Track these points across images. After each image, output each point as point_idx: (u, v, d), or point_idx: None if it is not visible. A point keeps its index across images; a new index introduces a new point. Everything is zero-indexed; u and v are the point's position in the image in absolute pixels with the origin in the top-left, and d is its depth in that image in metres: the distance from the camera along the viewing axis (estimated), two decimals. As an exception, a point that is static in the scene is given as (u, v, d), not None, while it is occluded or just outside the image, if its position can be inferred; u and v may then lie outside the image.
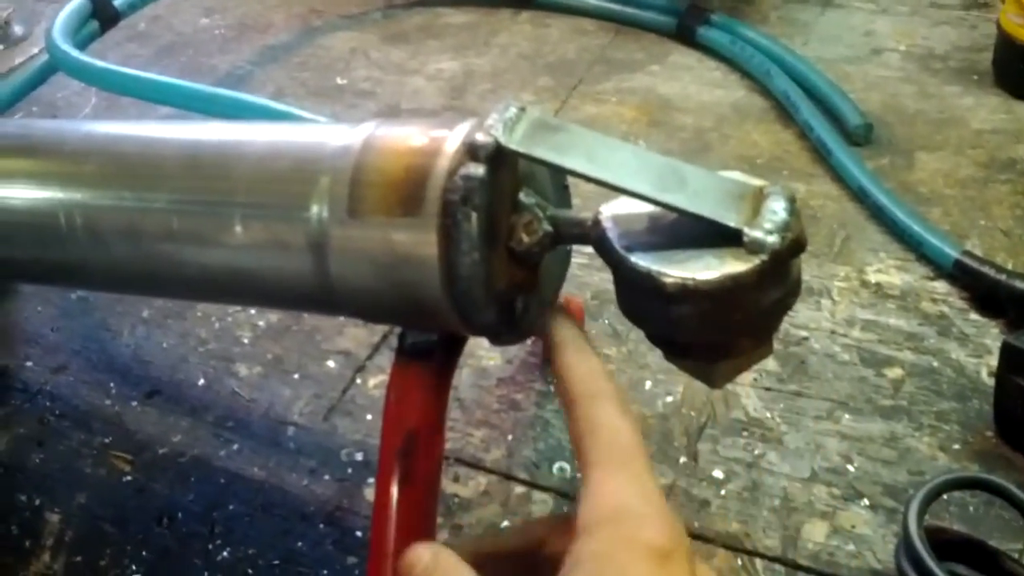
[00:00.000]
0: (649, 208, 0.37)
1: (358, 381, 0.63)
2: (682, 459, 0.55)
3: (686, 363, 0.39)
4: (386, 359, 0.63)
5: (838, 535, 0.51)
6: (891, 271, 0.67)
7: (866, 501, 0.52)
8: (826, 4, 0.99)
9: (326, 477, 0.57)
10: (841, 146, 0.76)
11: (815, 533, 0.51)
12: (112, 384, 0.65)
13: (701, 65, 0.92)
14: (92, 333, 0.69)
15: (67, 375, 0.66)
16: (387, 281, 0.40)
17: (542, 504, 0.54)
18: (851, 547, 0.50)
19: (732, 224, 0.34)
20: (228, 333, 0.67)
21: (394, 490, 0.42)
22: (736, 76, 0.89)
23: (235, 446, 0.59)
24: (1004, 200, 0.72)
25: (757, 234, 0.34)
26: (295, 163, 0.44)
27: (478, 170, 0.38)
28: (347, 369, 0.64)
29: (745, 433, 0.56)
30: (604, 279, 0.61)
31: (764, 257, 0.34)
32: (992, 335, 0.61)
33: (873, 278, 0.66)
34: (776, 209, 0.35)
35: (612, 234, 0.37)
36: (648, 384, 0.60)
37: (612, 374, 0.37)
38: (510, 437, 0.58)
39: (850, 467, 0.54)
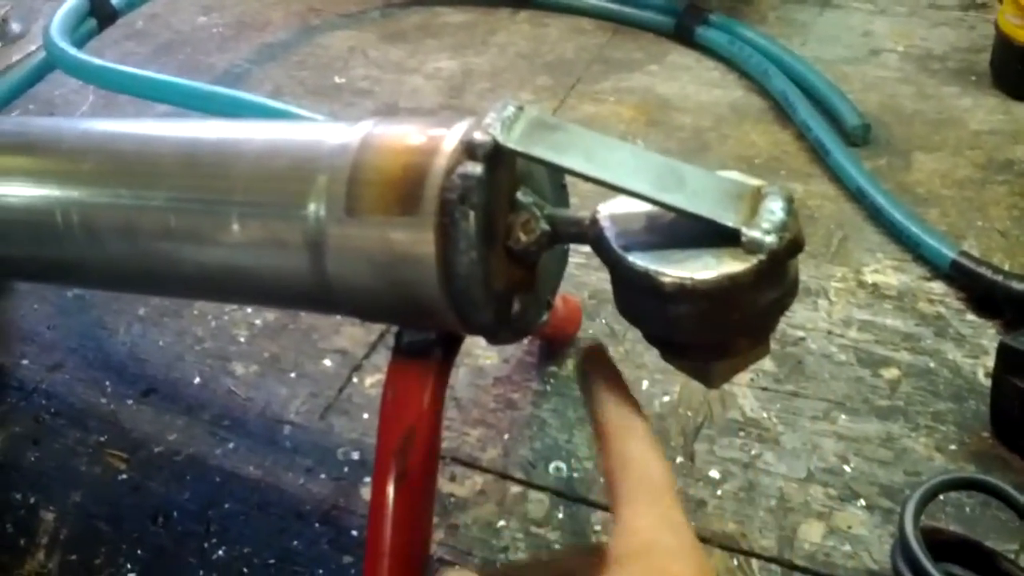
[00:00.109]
0: (647, 207, 0.37)
1: (355, 380, 0.63)
2: (679, 459, 0.55)
3: (683, 363, 0.39)
4: (383, 358, 0.63)
5: (834, 535, 0.51)
6: (888, 271, 0.67)
7: (862, 501, 0.52)
8: (824, 4, 0.99)
9: (322, 476, 0.57)
10: (839, 146, 0.76)
11: (811, 533, 0.51)
12: (108, 382, 0.64)
13: (699, 65, 0.92)
14: (88, 331, 0.69)
15: (63, 373, 0.66)
16: (384, 280, 0.40)
17: (538, 503, 0.54)
18: (847, 547, 0.50)
19: (730, 224, 0.34)
20: (224, 331, 0.67)
21: (390, 489, 0.42)
22: (734, 76, 0.89)
23: (231, 445, 0.59)
24: (1001, 201, 0.72)
25: (755, 234, 0.34)
26: (292, 161, 0.44)
27: (476, 169, 0.38)
28: (344, 368, 0.64)
29: (742, 433, 0.56)
30: (602, 278, 0.61)
31: (762, 257, 0.34)
32: (989, 336, 0.61)
33: (870, 278, 0.66)
34: (774, 209, 0.35)
35: (610, 233, 0.37)
36: (645, 384, 0.60)
37: (644, 412, 0.38)
38: (506, 436, 0.58)
39: (846, 467, 0.54)
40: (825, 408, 0.57)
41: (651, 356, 0.61)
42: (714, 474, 0.54)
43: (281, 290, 0.46)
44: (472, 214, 0.38)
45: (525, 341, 0.63)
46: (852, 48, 0.92)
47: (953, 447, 0.55)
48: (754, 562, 0.50)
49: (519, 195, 0.40)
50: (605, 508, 0.53)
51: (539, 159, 0.38)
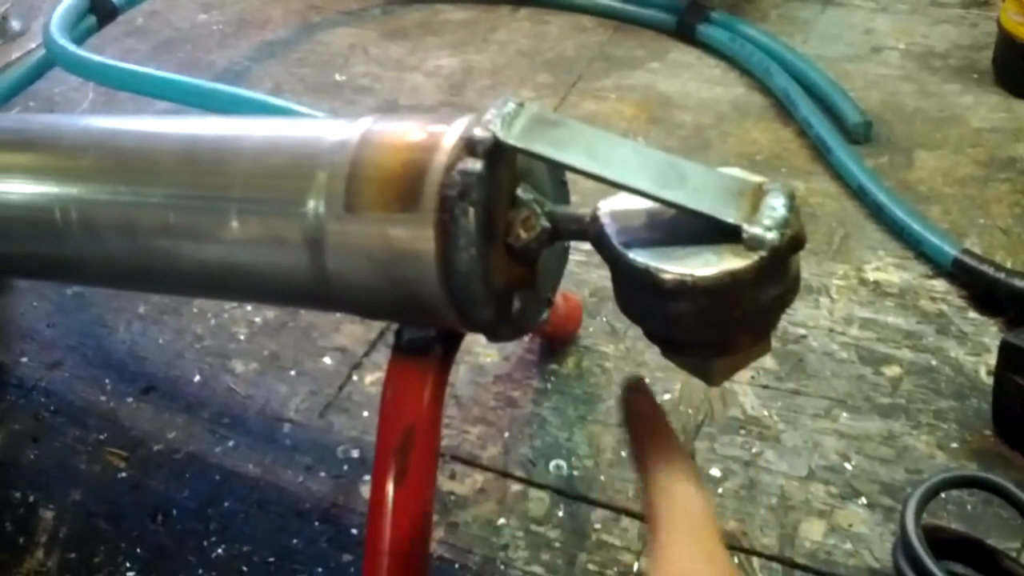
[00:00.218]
0: (647, 204, 0.37)
1: (355, 378, 0.63)
2: (680, 457, 0.55)
3: (684, 360, 0.38)
4: (383, 356, 0.63)
5: (835, 534, 0.51)
6: (890, 269, 0.66)
7: (864, 500, 0.52)
8: (826, 2, 0.99)
9: (322, 474, 0.57)
10: (840, 144, 0.75)
11: (812, 532, 0.51)
12: (107, 380, 0.64)
13: (701, 62, 0.92)
14: (88, 329, 0.69)
15: (62, 371, 0.66)
16: (384, 277, 0.40)
17: (539, 501, 0.54)
18: (848, 546, 0.50)
19: (731, 220, 0.34)
20: (224, 329, 0.67)
21: (390, 487, 0.42)
22: (736, 74, 0.89)
23: (231, 443, 0.59)
24: (1003, 199, 0.72)
25: (756, 230, 0.34)
26: (292, 158, 0.44)
27: (476, 165, 0.38)
28: (343, 366, 0.63)
29: (743, 431, 0.56)
30: (602, 276, 0.61)
31: (763, 254, 0.34)
32: (991, 333, 0.61)
33: (872, 276, 0.66)
34: (775, 205, 0.35)
35: (610, 230, 0.37)
36: (646, 381, 0.59)
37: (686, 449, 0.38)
38: (507, 434, 0.58)
39: (848, 465, 0.54)
40: (826, 406, 0.57)
41: (652, 354, 0.60)
42: (715, 472, 0.54)
43: (280, 287, 0.45)
44: (472, 211, 0.37)
45: (526, 339, 0.63)
46: (854, 46, 0.91)
47: (955, 445, 0.55)
48: (755, 560, 0.50)
49: (519, 192, 0.40)
50: (606, 506, 0.53)
51: (539, 155, 0.38)
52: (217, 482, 0.57)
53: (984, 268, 0.62)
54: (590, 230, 0.38)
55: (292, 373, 0.63)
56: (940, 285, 0.65)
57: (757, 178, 0.37)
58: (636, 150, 0.38)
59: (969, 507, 0.51)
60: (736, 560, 0.50)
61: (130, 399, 0.63)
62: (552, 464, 0.56)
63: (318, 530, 0.54)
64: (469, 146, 0.38)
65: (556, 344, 0.62)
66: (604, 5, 1.00)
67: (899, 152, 0.77)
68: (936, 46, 0.90)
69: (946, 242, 0.65)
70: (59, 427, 0.61)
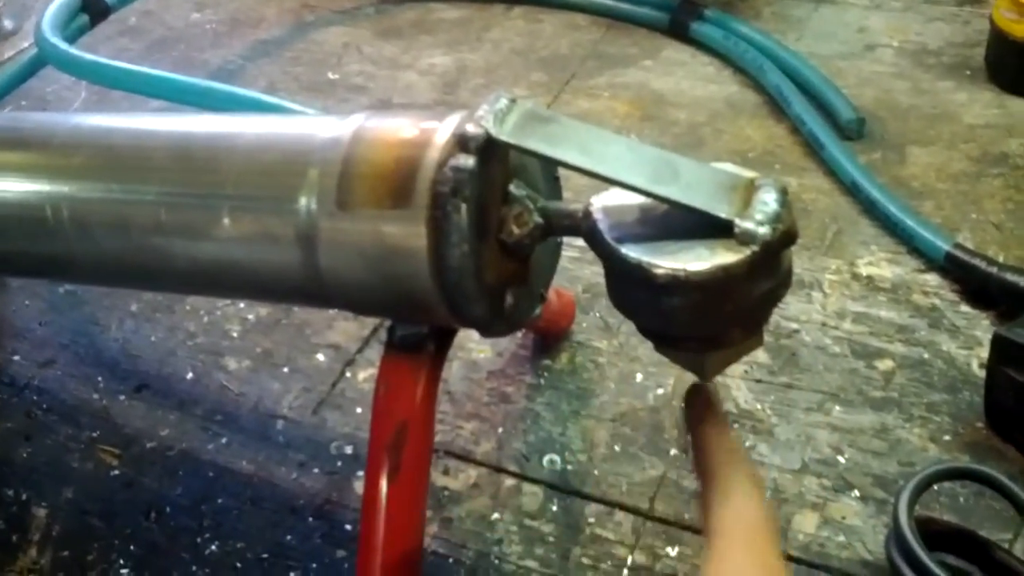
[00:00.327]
0: (640, 199, 0.37)
1: (348, 375, 0.63)
2: (672, 451, 0.55)
3: (677, 354, 0.39)
4: (376, 353, 0.63)
5: (828, 526, 0.51)
6: (882, 264, 0.67)
7: (856, 492, 0.52)
8: (820, 0, 0.99)
9: (315, 470, 0.57)
10: (834, 141, 0.76)
11: (805, 524, 0.51)
12: (100, 378, 0.64)
13: (694, 60, 0.92)
14: (80, 327, 0.69)
15: (55, 369, 0.65)
16: (377, 273, 0.40)
17: (532, 496, 0.54)
18: (841, 538, 0.50)
19: (723, 215, 0.34)
20: (217, 327, 0.67)
21: (383, 483, 0.42)
22: (729, 71, 0.89)
23: (224, 440, 0.59)
24: (996, 194, 0.72)
25: (748, 225, 0.34)
26: (284, 155, 0.44)
27: (468, 161, 0.38)
28: (337, 363, 0.63)
29: (736, 425, 0.56)
30: (595, 272, 0.61)
31: (755, 248, 0.34)
32: (983, 327, 0.61)
33: (864, 271, 0.66)
34: (767, 200, 0.35)
35: (603, 226, 0.37)
36: (639, 376, 0.60)
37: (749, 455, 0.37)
38: (500, 430, 0.58)
39: (840, 458, 0.54)
40: (819, 400, 0.57)
41: (645, 349, 0.61)
42: (708, 467, 0.54)
43: (273, 284, 0.45)
44: (464, 207, 0.37)
45: (519, 334, 0.63)
46: (847, 43, 0.92)
47: (947, 438, 0.55)
48: (748, 555, 0.50)
49: (512, 188, 0.40)
50: (599, 501, 0.53)
51: (532, 151, 0.38)
52: (210, 479, 0.57)
53: (976, 262, 0.62)
54: (583, 226, 0.38)
55: (285, 370, 0.63)
56: (933, 279, 0.65)
57: (749, 173, 0.37)
58: (628, 146, 0.38)
59: (961, 499, 0.51)
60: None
61: (123, 397, 0.63)
62: (546, 459, 0.56)
63: (312, 526, 0.54)
64: (461, 142, 0.38)
65: (549, 340, 0.63)
66: (598, 3, 1.00)
67: (892, 148, 0.77)
68: (929, 43, 0.90)
69: (939, 237, 0.65)
70: (52, 425, 0.61)
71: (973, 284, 0.63)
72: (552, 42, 0.97)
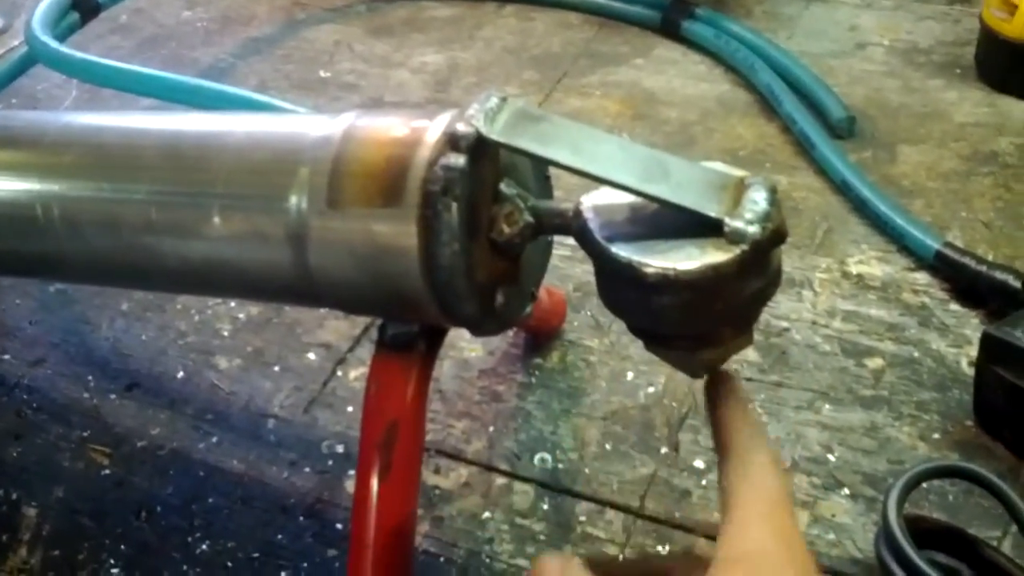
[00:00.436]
0: (630, 198, 0.37)
1: (339, 373, 0.63)
2: (663, 449, 0.55)
3: (667, 353, 0.39)
4: (367, 351, 0.63)
5: (818, 524, 0.51)
6: (872, 262, 0.67)
7: (846, 490, 0.52)
8: (810, -2, 0.99)
9: (306, 469, 0.57)
10: (824, 139, 0.76)
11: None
12: (91, 377, 0.64)
13: (686, 59, 0.92)
14: (71, 326, 0.69)
15: (45, 368, 0.65)
16: (367, 272, 0.40)
17: (523, 495, 0.54)
18: (831, 536, 0.50)
19: (713, 214, 0.34)
20: (208, 326, 0.67)
21: (374, 482, 0.42)
22: (721, 70, 0.89)
23: (214, 439, 0.59)
24: (986, 193, 0.72)
25: (738, 224, 0.34)
26: (274, 154, 0.44)
27: (459, 160, 0.38)
28: (328, 361, 0.63)
29: (727, 425, 0.56)
30: (586, 271, 0.61)
31: (744, 247, 0.34)
32: (972, 325, 0.61)
33: (854, 269, 0.66)
34: (757, 199, 0.35)
35: (593, 224, 0.37)
36: (630, 375, 0.60)
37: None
38: (491, 428, 0.58)
39: (830, 457, 0.54)
40: (809, 398, 0.58)
41: (636, 348, 0.61)
42: (699, 464, 0.54)
43: (264, 283, 0.45)
44: (455, 206, 0.37)
45: (510, 333, 0.63)
46: (838, 42, 0.92)
47: (936, 436, 0.55)
48: (739, 553, 0.50)
49: (503, 187, 0.40)
50: (590, 499, 0.53)
51: (522, 150, 0.38)
52: (201, 478, 0.57)
53: (966, 261, 0.63)
54: (573, 224, 0.38)
55: (276, 369, 0.63)
56: (922, 278, 0.65)
57: (739, 172, 0.37)
58: (619, 145, 0.38)
59: (951, 497, 0.52)
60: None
61: (113, 396, 0.63)
62: (537, 457, 0.56)
63: (303, 525, 0.54)
64: (452, 141, 0.38)
65: (540, 338, 0.63)
66: (590, 2, 1.00)
67: (882, 147, 0.78)
68: (920, 42, 0.91)
69: (928, 235, 0.65)
70: (42, 424, 0.61)
71: (963, 282, 0.63)
72: (544, 40, 0.97)
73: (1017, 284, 0.60)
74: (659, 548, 0.51)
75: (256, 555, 0.52)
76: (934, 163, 0.75)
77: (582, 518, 0.53)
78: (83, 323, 0.69)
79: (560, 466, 0.55)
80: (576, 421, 0.58)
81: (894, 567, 0.45)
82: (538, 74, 0.91)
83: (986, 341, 0.54)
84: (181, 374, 0.64)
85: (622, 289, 0.36)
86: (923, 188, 0.73)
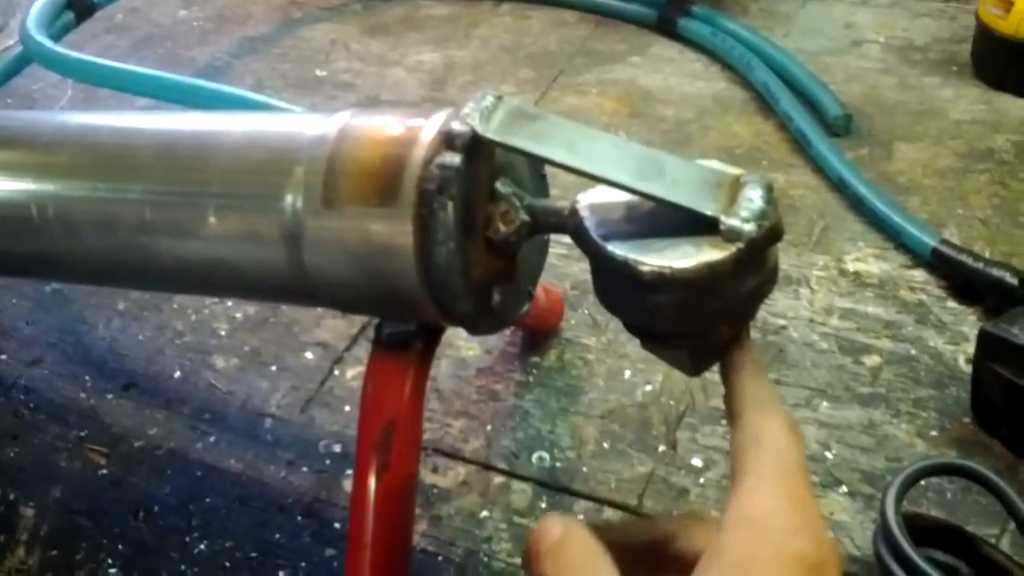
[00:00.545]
0: (626, 197, 0.37)
1: (336, 372, 0.62)
2: (661, 447, 0.55)
3: (664, 351, 0.39)
4: (364, 350, 0.63)
5: (816, 523, 0.51)
6: (869, 260, 0.67)
7: (844, 488, 0.52)
8: (806, -5, 0.99)
9: (304, 469, 0.56)
10: (821, 137, 0.76)
11: (794, 521, 0.51)
12: (87, 377, 0.64)
13: (682, 57, 0.92)
14: (67, 326, 0.68)
15: (42, 368, 0.65)
16: (363, 272, 0.40)
17: (521, 494, 0.54)
18: (829, 534, 0.50)
19: (709, 212, 0.34)
20: (205, 325, 0.67)
21: (372, 481, 0.42)
22: (717, 68, 0.89)
23: (212, 438, 0.59)
24: (982, 190, 0.72)
25: (734, 222, 0.34)
26: (270, 153, 0.44)
27: (454, 159, 0.37)
28: (325, 361, 0.63)
29: (724, 421, 0.56)
30: (583, 269, 0.61)
31: (741, 245, 0.34)
32: (969, 323, 0.61)
33: (851, 267, 0.66)
34: (753, 197, 0.35)
35: (589, 223, 0.36)
36: (627, 373, 0.60)
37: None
38: (489, 427, 0.58)
39: (828, 454, 0.54)
40: (807, 396, 0.58)
41: (633, 346, 0.61)
42: (696, 462, 0.54)
43: (259, 283, 0.45)
44: (451, 204, 0.37)
45: (507, 332, 0.63)
46: (834, 39, 0.92)
47: (934, 433, 0.55)
48: (737, 550, 0.50)
49: (498, 185, 0.40)
50: (588, 497, 0.53)
51: (518, 149, 0.38)
52: (198, 478, 0.57)
53: (963, 258, 0.63)
54: (569, 223, 0.38)
55: (273, 368, 0.63)
56: (919, 275, 0.65)
57: (735, 170, 0.37)
58: (615, 143, 0.38)
59: (948, 494, 0.52)
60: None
61: (110, 396, 0.62)
62: (534, 456, 0.56)
63: (301, 525, 0.54)
64: (447, 140, 0.38)
65: (538, 337, 0.63)
66: (586, 0, 1.00)
67: (879, 144, 0.78)
68: (916, 39, 0.91)
69: (925, 233, 0.65)
70: (39, 424, 0.61)
71: (960, 280, 0.63)
72: (540, 39, 0.97)
73: (1014, 281, 0.60)
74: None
75: (254, 555, 0.52)
76: (930, 160, 0.75)
77: (580, 516, 0.53)
78: (80, 323, 0.69)
79: (558, 465, 0.55)
80: (574, 420, 0.58)
81: (892, 565, 0.45)
82: (534, 72, 0.91)
83: (983, 338, 0.54)
84: (178, 374, 0.64)
85: (618, 287, 0.36)
86: (919, 185, 0.73)
